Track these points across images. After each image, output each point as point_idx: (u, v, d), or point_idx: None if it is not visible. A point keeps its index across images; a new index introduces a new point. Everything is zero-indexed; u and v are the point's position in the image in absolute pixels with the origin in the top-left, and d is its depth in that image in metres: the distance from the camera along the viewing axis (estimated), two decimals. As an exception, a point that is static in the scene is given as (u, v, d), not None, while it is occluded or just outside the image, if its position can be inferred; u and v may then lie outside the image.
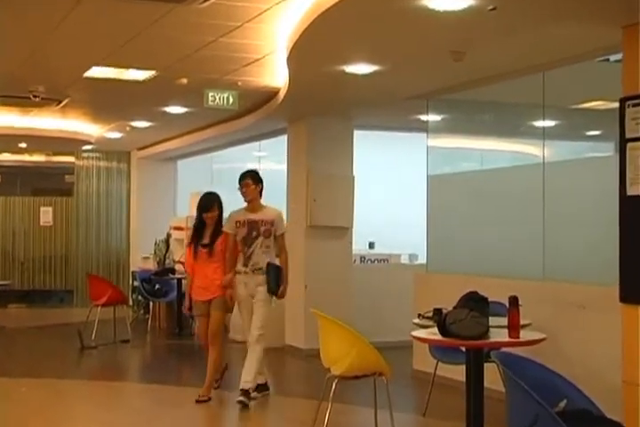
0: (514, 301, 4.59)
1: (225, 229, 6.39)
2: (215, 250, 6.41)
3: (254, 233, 6.26)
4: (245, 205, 6.36)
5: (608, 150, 7.55)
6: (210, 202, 6.47)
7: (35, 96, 8.41)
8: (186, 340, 10.21)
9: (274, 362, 8.93)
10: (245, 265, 6.28)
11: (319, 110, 8.79)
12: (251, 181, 6.29)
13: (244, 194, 6.30)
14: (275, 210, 6.41)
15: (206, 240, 6.46)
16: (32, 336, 10.95)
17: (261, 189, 6.33)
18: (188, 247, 6.61)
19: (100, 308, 9.73)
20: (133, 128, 11.18)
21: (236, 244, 6.30)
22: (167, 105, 9.29)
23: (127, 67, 7.31)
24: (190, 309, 6.57)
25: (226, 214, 6.60)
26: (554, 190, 6.29)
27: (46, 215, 15.14)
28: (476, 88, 7.04)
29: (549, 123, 7.00)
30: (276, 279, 6.25)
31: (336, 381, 5.08)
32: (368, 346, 5.10)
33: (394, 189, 11.06)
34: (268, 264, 6.24)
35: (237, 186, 6.29)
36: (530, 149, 7.69)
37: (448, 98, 7.62)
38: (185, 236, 10.51)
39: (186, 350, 9.85)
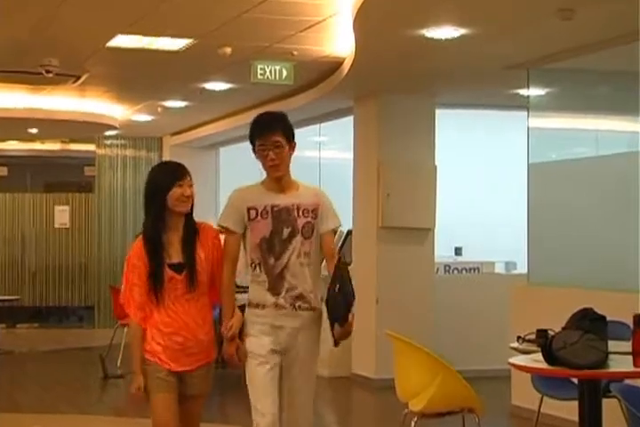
0: (640, 320, 4.52)
1: (222, 222, 4.29)
2: (200, 274, 4.21)
3: (287, 230, 4.24)
4: (264, 179, 4.35)
5: None
6: (182, 170, 4.28)
7: (47, 71, 8.57)
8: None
9: (338, 395, 8.95)
10: (276, 292, 4.22)
11: (393, 85, 8.78)
12: (283, 137, 4.23)
13: (271, 162, 4.21)
14: (316, 189, 4.47)
15: (176, 256, 4.20)
16: (45, 363, 11.17)
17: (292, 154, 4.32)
18: (132, 272, 4.23)
19: (126, 328, 9.89)
20: (166, 109, 11.33)
21: (237, 252, 4.30)
22: (207, 80, 9.38)
23: (158, 34, 7.40)
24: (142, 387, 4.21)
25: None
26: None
27: (62, 216, 15.44)
28: (590, 54, 6.94)
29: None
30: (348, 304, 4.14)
31: (415, 419, 5.08)
32: (455, 376, 5.08)
33: (486, 181, 10.97)
34: (340, 263, 4.18)
35: (253, 146, 4.27)
36: (658, 130, 7.54)
37: (554, 67, 7.53)
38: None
39: (229, 379, 9.93)
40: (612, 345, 4.52)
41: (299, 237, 4.24)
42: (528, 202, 7.77)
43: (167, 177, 4.21)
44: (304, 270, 4.23)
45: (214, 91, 9.81)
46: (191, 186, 4.23)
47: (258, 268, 4.24)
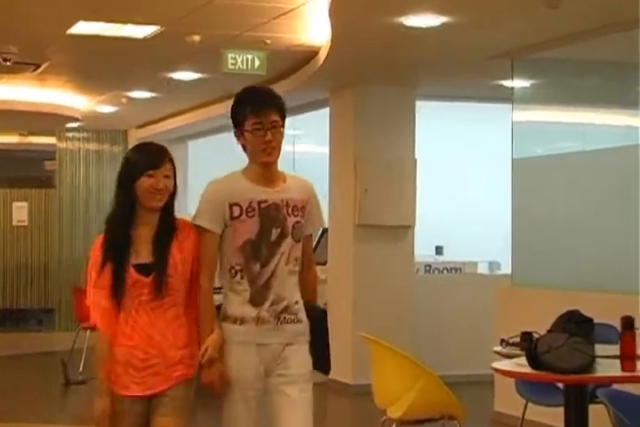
0: (628, 323, 4.55)
1: (198, 220, 3.81)
2: (172, 278, 3.70)
3: (276, 231, 3.80)
4: (245, 168, 3.90)
5: None
6: (160, 154, 3.80)
7: (5, 59, 8.53)
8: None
9: (314, 402, 8.95)
10: (257, 303, 3.77)
11: (371, 76, 8.78)
12: (280, 117, 3.83)
13: (266, 144, 3.78)
14: (304, 181, 4.00)
15: (145, 255, 3.71)
16: (3, 368, 11.10)
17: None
18: (97, 271, 3.71)
19: (89, 332, 9.84)
20: (131, 100, 11.29)
21: (216, 257, 3.82)
22: (175, 70, 9.36)
23: (124, 21, 7.37)
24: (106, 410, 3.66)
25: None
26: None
27: (20, 212, 15.35)
28: (578, 44, 6.98)
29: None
30: (326, 340, 4.03)
31: (394, 426, 5.09)
32: (435, 381, 5.10)
33: (469, 176, 11.02)
34: (311, 306, 3.94)
35: (241, 125, 3.83)
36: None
37: (540, 57, 7.57)
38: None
39: (197, 385, 9.91)
40: (599, 349, 4.55)
41: (289, 240, 3.80)
42: (512, 199, 7.80)
43: (138, 164, 3.72)
44: (292, 280, 3.82)
45: (182, 81, 9.78)
46: (168, 176, 3.75)
47: (239, 275, 3.77)
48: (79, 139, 14.70)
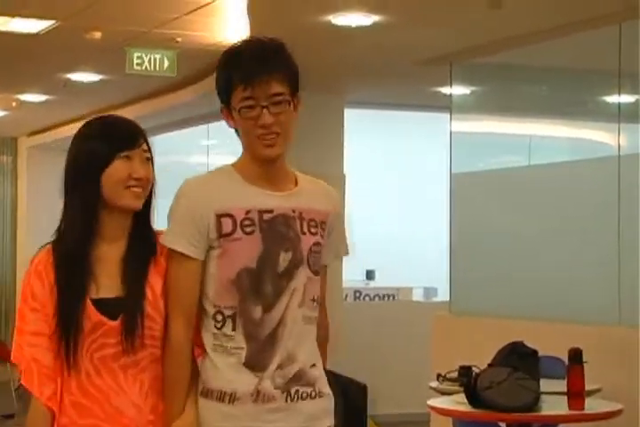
0: (576, 355, 4.61)
1: (172, 243, 2.76)
2: (152, 321, 2.72)
3: (286, 255, 2.83)
4: (237, 161, 2.95)
5: None
6: (133, 130, 2.79)
7: None
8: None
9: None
10: (258, 367, 2.76)
11: (294, 79, 8.81)
12: (286, 86, 2.85)
13: (264, 130, 2.86)
14: (323, 185, 3.20)
15: (109, 286, 2.73)
16: None
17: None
18: (32, 310, 2.71)
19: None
20: (22, 104, 11.17)
21: (196, 297, 2.78)
22: (72, 70, 9.28)
23: (14, 14, 7.31)
24: None
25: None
26: (634, 195, 6.33)
27: None
28: (521, 48, 7.08)
29: (628, 98, 7.05)
30: None
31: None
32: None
33: (403, 193, 11.10)
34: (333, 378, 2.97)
35: (227, 101, 2.84)
36: (599, 136, 7.73)
37: (481, 62, 7.67)
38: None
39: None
40: (545, 384, 4.62)
41: (304, 270, 2.82)
42: (450, 218, 7.87)
43: (104, 142, 2.74)
44: (308, 331, 2.84)
45: (81, 83, 9.71)
46: (149, 159, 2.77)
47: (229, 323, 2.76)
48: (-39, 147, 14.49)
